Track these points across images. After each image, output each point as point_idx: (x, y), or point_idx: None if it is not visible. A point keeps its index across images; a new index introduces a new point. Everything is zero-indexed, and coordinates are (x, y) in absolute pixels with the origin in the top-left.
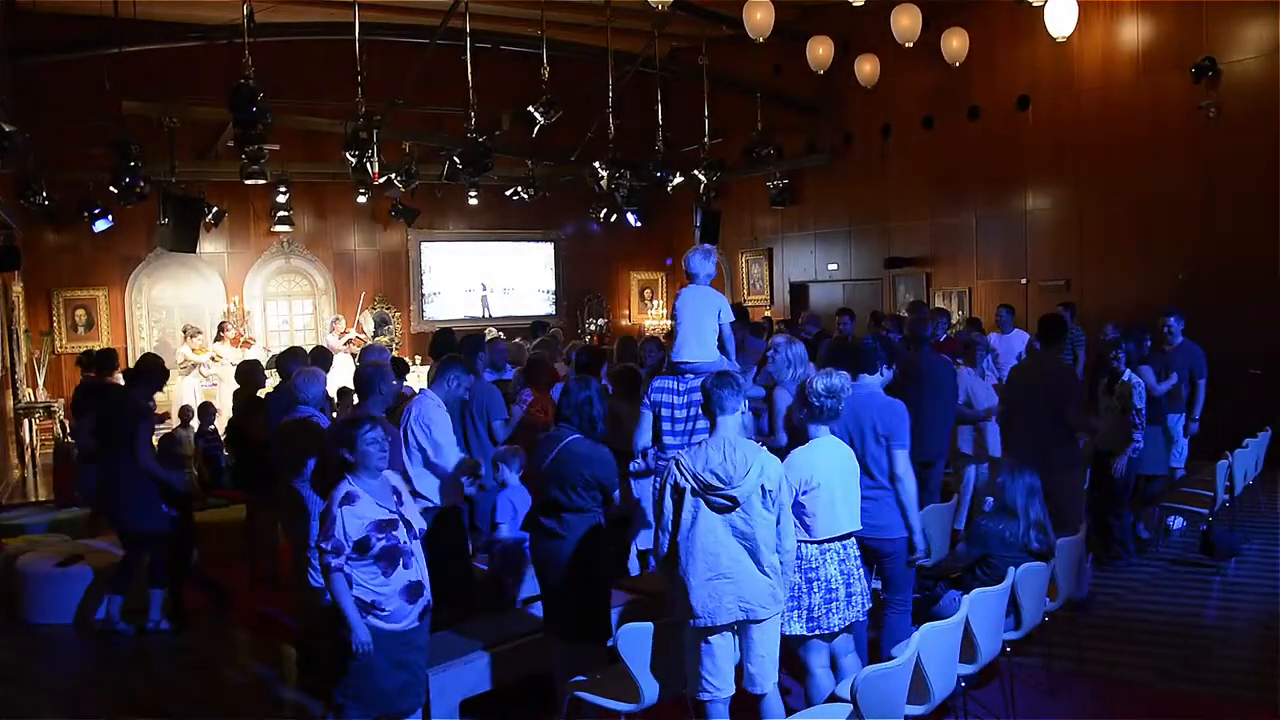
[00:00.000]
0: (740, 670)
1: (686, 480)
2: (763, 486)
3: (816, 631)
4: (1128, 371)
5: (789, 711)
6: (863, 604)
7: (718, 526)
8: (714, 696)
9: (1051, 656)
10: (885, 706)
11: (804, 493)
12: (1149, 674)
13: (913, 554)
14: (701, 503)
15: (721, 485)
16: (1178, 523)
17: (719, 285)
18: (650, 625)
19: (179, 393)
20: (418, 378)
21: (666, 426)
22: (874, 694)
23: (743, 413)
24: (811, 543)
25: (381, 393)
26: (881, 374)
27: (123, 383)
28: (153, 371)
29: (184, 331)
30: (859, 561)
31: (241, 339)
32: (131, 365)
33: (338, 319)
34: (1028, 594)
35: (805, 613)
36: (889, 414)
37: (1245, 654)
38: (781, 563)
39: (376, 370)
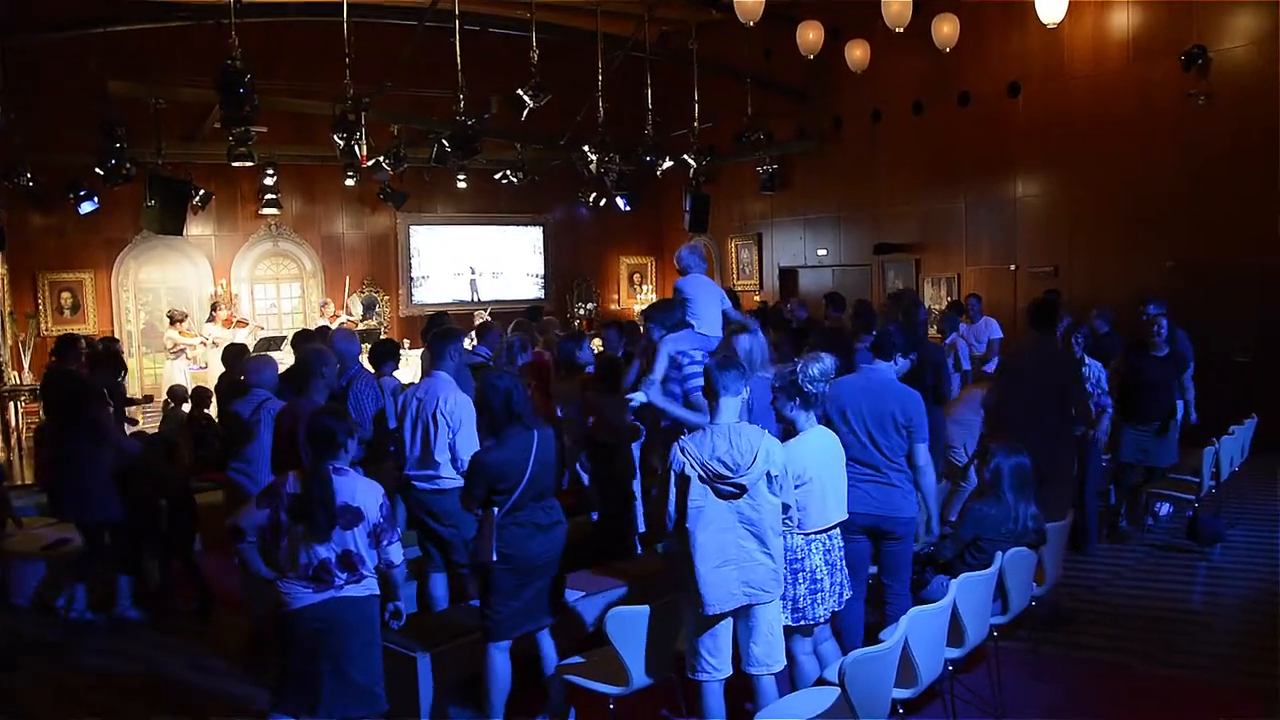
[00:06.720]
0: (738, 653)
1: (694, 469)
2: (768, 473)
3: (802, 622)
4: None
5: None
6: (842, 593)
7: (725, 513)
8: (711, 677)
9: (1038, 641)
10: (873, 689)
11: (796, 486)
12: (1134, 658)
13: (929, 535)
14: (709, 490)
15: (729, 473)
16: (1164, 508)
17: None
18: (639, 609)
19: (168, 375)
20: (409, 361)
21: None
22: (862, 677)
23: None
24: (799, 534)
25: (324, 376)
26: (896, 362)
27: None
28: (113, 358)
29: (169, 317)
30: (841, 551)
31: (234, 320)
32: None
33: (326, 303)
34: (1015, 579)
35: (790, 604)
36: (910, 404)
37: (1229, 639)
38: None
39: (316, 355)
